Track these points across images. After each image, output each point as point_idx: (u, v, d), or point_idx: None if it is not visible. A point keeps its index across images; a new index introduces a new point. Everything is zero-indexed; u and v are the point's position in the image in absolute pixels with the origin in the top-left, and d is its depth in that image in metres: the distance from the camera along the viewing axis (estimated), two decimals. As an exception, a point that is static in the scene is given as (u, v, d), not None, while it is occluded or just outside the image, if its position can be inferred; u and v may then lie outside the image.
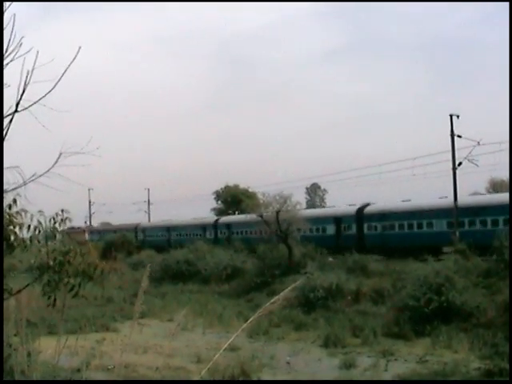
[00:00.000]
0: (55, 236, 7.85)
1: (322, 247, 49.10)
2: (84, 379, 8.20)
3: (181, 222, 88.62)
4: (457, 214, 46.69)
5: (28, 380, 9.04)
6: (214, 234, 77.84)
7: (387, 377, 23.10)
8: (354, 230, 56.36)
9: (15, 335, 8.56)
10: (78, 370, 12.87)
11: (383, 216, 53.89)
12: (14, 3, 6.99)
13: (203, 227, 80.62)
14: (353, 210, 57.88)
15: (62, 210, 7.80)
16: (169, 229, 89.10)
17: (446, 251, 42.98)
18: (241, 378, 21.07)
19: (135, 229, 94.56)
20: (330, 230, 58.22)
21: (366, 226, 55.21)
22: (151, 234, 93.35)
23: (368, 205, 57.50)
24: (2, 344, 8.44)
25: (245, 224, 69.00)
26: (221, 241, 73.07)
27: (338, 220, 58.00)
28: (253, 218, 60.72)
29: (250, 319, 5.92)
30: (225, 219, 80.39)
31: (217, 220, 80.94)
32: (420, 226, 50.65)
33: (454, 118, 48.86)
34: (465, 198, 50.98)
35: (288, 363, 26.15)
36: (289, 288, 6.01)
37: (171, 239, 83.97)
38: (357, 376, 23.15)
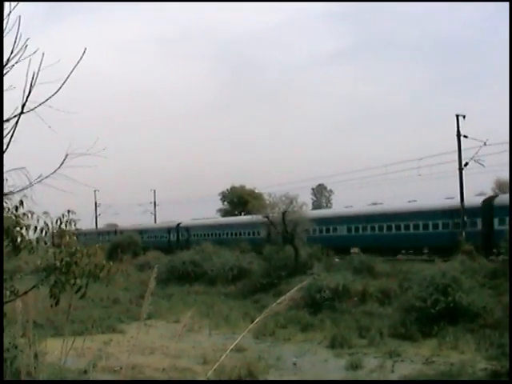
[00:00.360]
0: (62, 237, 7.85)
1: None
2: (89, 380, 8.19)
3: (150, 226, 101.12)
4: (463, 216, 46.81)
5: (28, 380, 9.04)
6: (175, 236, 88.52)
7: (393, 378, 23.06)
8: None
9: (22, 337, 8.57)
10: (85, 372, 12.88)
11: None
12: (19, 5, 6.98)
13: (168, 230, 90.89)
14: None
15: (69, 211, 7.80)
16: (141, 231, 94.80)
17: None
18: (247, 379, 21.06)
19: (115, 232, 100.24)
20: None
21: None
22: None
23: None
24: (2, 344, 8.44)
25: (201, 227, 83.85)
26: (181, 242, 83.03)
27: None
28: (210, 222, 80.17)
29: (256, 320, 5.91)
30: (185, 223, 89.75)
31: (179, 224, 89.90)
32: None
33: (460, 118, 48.85)
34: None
35: (294, 364, 26.13)
36: (294, 289, 6.00)
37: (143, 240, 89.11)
38: (363, 377, 23.11)
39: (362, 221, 57.58)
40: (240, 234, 72.33)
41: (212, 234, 78.50)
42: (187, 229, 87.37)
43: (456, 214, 48.99)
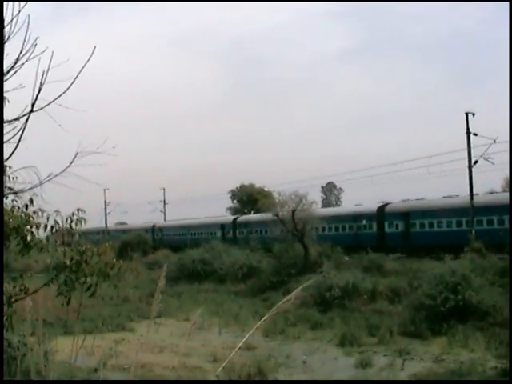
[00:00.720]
0: (73, 235, 7.85)
1: None
2: (100, 379, 8.19)
3: (131, 226, 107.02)
4: (473, 213, 46.76)
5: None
6: (152, 236, 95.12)
7: (403, 376, 23.00)
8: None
9: (31, 335, 8.58)
10: (95, 370, 12.88)
11: None
12: (28, 5, 6.99)
13: (146, 230, 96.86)
14: None
15: (78, 210, 7.79)
16: (124, 231, 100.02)
17: None
18: (257, 378, 21.07)
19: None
20: None
21: None
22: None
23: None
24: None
25: (172, 228, 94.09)
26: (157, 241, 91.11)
27: None
28: (179, 223, 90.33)
29: (264, 317, 5.91)
30: (159, 224, 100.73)
31: (154, 225, 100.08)
32: None
33: (470, 115, 48.71)
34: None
35: (304, 362, 26.11)
36: (301, 287, 6.01)
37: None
38: (373, 375, 23.06)
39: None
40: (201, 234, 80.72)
41: (182, 234, 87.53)
42: (161, 229, 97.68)
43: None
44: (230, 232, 77.20)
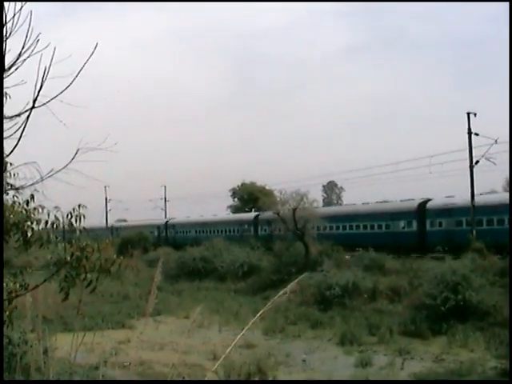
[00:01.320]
0: (73, 232, 7.83)
1: None
2: (100, 379, 8.15)
3: (142, 223, 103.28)
4: (473, 213, 46.62)
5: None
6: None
7: (403, 375, 23.02)
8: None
9: (31, 332, 8.58)
10: (96, 368, 12.86)
11: None
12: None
13: (158, 227, 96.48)
14: None
15: (79, 205, 7.78)
16: (134, 228, 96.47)
17: None
18: (257, 376, 21.08)
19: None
20: None
21: None
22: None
23: None
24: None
25: (186, 225, 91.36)
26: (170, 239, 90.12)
27: None
28: (194, 220, 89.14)
29: (260, 312, 5.93)
30: (173, 221, 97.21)
31: (167, 221, 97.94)
32: None
33: (472, 115, 48.70)
34: None
35: (304, 361, 26.13)
36: (295, 280, 6.07)
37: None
38: (373, 374, 23.08)
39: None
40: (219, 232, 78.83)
41: (197, 232, 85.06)
42: (174, 226, 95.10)
43: None
44: (250, 230, 74.06)
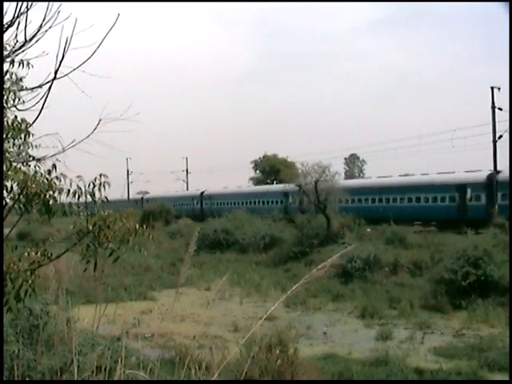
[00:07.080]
0: (95, 201, 7.83)
1: None
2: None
3: (176, 194, 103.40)
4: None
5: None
6: (199, 205, 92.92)
7: (423, 349, 22.97)
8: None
9: (54, 303, 8.62)
10: (118, 339, 12.93)
11: None
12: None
13: (193, 198, 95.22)
14: None
15: (101, 175, 7.78)
16: (168, 199, 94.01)
17: None
18: (278, 348, 21.08)
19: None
20: None
21: None
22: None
23: None
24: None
25: (224, 196, 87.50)
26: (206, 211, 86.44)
27: None
28: (232, 191, 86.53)
29: (290, 290, 5.87)
30: (209, 192, 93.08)
31: (202, 192, 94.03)
32: None
33: (496, 90, 48.29)
34: None
35: (325, 333, 26.17)
36: (338, 254, 5.98)
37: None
38: (393, 348, 23.05)
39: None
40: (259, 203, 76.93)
41: (236, 203, 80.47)
42: (210, 197, 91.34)
43: None
44: (296, 201, 66.88)
